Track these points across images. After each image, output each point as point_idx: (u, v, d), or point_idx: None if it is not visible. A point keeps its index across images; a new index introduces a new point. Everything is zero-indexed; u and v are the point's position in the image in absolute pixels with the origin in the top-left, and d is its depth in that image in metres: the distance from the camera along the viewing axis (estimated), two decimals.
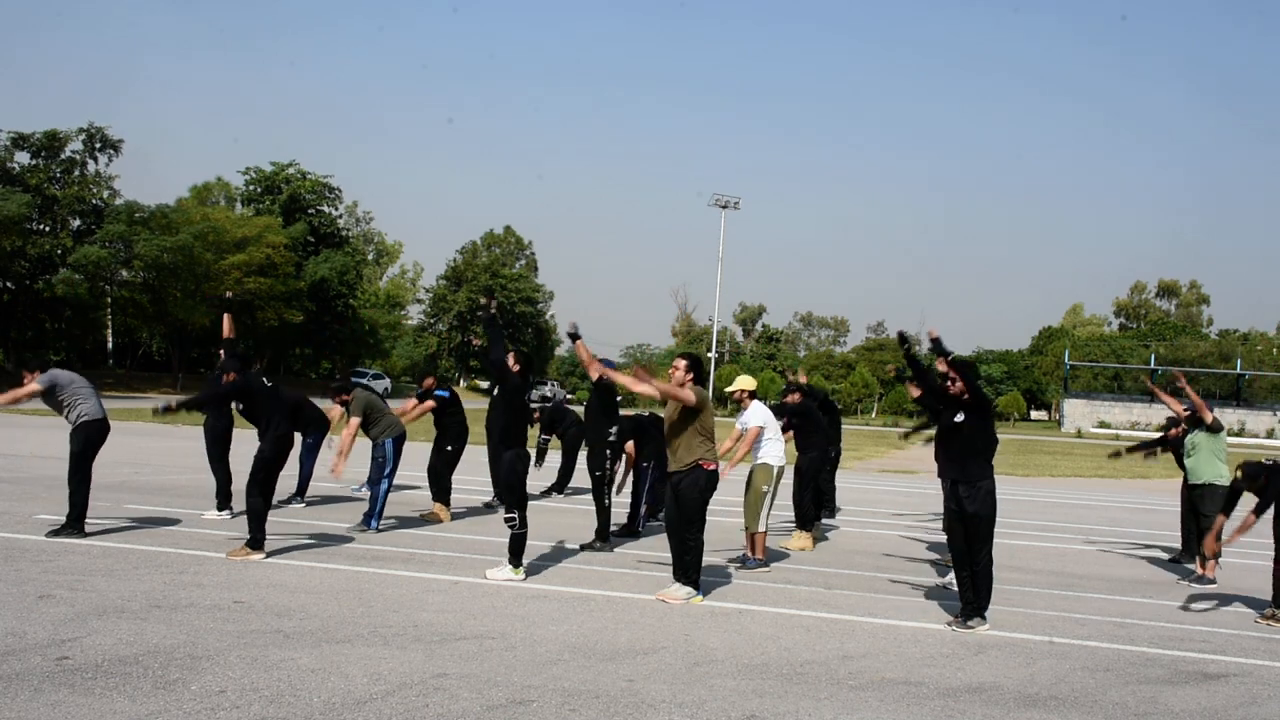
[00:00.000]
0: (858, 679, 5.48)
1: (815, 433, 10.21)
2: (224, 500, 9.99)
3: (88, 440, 8.42)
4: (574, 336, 8.71)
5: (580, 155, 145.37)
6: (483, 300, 8.54)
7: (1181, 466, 10.09)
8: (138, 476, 13.03)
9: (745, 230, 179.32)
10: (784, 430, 9.79)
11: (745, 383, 9.27)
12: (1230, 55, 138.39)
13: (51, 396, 8.42)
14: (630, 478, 10.46)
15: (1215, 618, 7.81)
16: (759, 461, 8.81)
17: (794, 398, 10.44)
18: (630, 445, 10.23)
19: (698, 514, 7.26)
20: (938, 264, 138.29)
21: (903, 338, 8.05)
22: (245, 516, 8.09)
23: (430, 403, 10.92)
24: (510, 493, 7.67)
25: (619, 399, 10.30)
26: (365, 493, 10.21)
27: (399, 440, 9.88)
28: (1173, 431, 10.48)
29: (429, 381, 11.08)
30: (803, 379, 11.86)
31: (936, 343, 7.04)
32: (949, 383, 7.12)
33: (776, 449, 8.86)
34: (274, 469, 8.10)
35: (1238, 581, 9.32)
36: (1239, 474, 8.02)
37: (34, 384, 8.31)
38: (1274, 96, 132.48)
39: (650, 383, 7.35)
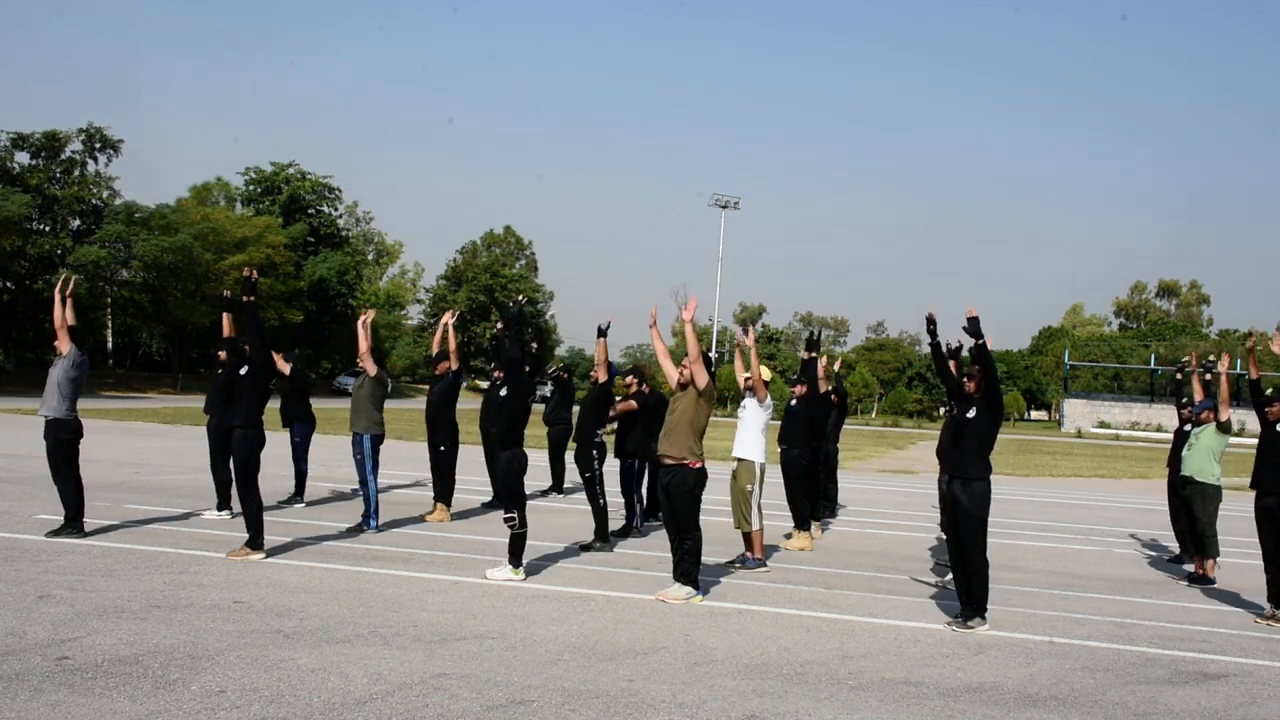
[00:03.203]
0: (858, 679, 5.48)
1: (800, 429, 10.17)
2: (224, 500, 9.99)
3: (56, 440, 8.44)
4: (602, 333, 9.86)
5: (580, 155, 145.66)
6: (513, 301, 8.84)
7: (1175, 457, 10.08)
8: (138, 476, 13.03)
9: (745, 230, 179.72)
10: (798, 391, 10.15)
11: (766, 374, 9.26)
12: (1230, 55, 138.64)
13: (72, 368, 8.46)
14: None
15: (1215, 618, 7.81)
16: (741, 458, 8.76)
17: (800, 389, 10.38)
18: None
19: (691, 513, 7.29)
20: (938, 264, 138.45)
21: (930, 321, 7.72)
22: (244, 518, 8.08)
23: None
24: (509, 493, 7.67)
25: (615, 400, 10.39)
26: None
27: (376, 439, 9.86)
28: (1185, 412, 10.30)
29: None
30: (825, 367, 11.56)
31: (973, 322, 6.90)
32: (966, 379, 7.10)
33: (759, 445, 8.80)
34: (254, 467, 8.12)
35: (1238, 581, 9.32)
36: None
37: (69, 346, 8.42)
38: (1274, 96, 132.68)
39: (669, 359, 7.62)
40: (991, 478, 6.97)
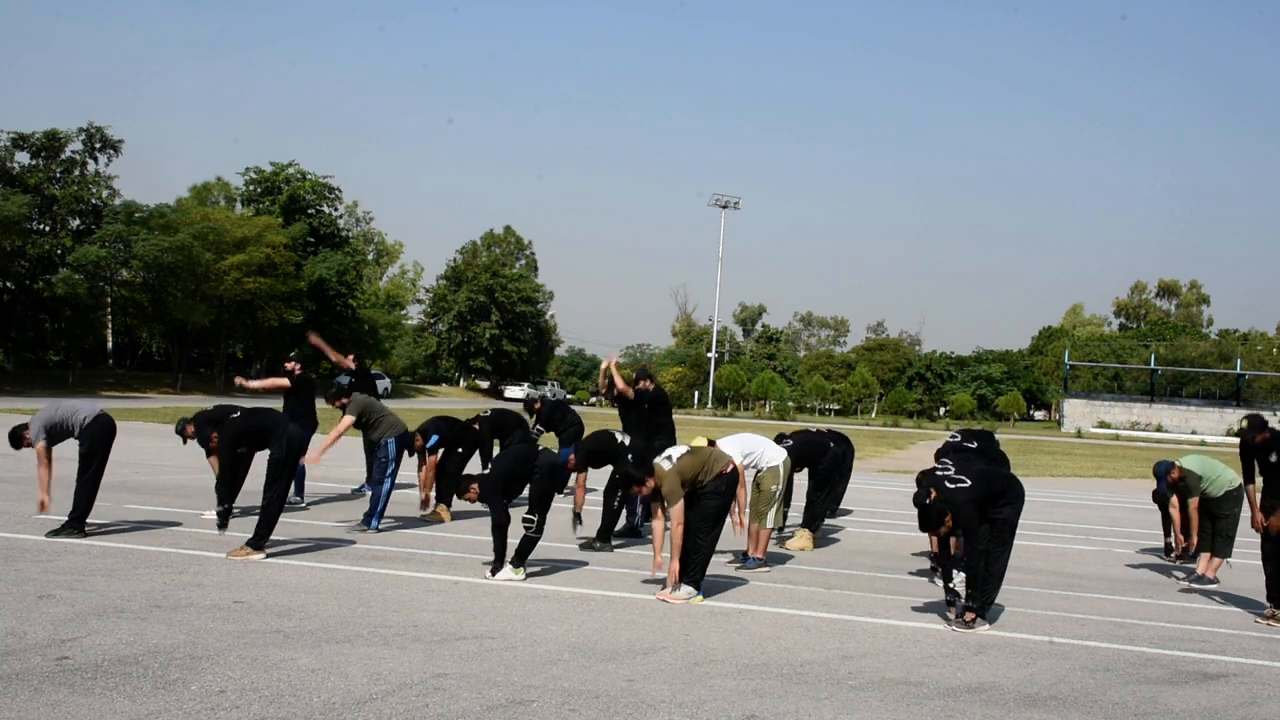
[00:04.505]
0: (858, 679, 5.48)
1: (821, 456, 10.20)
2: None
3: (94, 439, 8.45)
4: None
5: (580, 155, 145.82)
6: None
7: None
8: (138, 476, 13.03)
9: (745, 230, 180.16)
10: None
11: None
12: (1230, 55, 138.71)
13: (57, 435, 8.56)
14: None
15: (1215, 618, 7.81)
16: (765, 467, 8.65)
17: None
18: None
19: (716, 515, 7.31)
20: (938, 264, 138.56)
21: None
22: (247, 517, 8.07)
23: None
24: (539, 495, 7.71)
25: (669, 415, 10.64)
26: (366, 493, 10.23)
27: (401, 440, 9.87)
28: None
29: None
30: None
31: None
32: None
33: (774, 452, 8.78)
34: (287, 470, 8.13)
35: (1238, 581, 9.32)
36: (1243, 423, 8.35)
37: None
38: (1274, 96, 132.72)
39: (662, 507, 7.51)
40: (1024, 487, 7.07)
